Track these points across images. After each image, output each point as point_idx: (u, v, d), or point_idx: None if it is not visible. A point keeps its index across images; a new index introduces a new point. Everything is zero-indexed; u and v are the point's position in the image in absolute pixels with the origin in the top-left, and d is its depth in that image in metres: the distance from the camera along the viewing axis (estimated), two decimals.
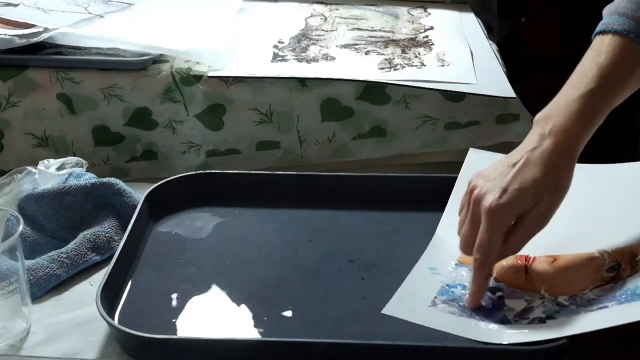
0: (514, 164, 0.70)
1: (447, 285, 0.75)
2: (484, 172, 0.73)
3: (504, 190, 0.68)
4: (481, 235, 0.69)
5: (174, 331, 0.70)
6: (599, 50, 0.73)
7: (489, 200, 0.69)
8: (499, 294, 0.73)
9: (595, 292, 0.71)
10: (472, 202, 0.71)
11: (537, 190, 0.69)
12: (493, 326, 0.69)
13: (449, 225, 0.82)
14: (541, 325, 0.68)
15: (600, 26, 0.75)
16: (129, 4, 1.28)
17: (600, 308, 0.68)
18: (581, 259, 0.75)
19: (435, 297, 0.73)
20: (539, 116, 0.73)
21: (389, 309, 0.72)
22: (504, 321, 0.70)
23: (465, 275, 0.76)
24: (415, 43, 1.22)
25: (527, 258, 0.75)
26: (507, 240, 0.69)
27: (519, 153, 0.71)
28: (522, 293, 0.73)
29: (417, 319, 0.70)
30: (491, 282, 0.74)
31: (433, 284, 0.75)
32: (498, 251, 0.69)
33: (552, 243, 0.75)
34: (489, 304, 0.72)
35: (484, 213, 0.69)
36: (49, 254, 0.79)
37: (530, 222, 0.69)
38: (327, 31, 1.28)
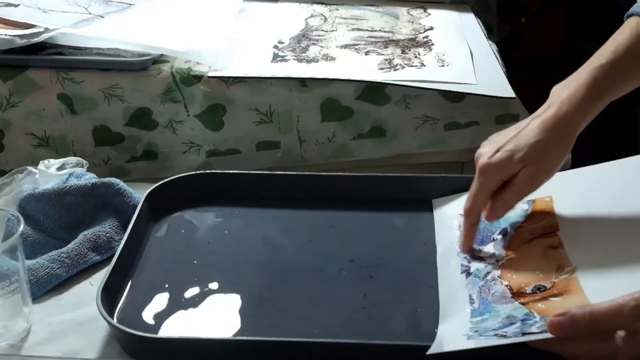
0: (517, 129, 0.75)
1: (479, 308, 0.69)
2: (495, 135, 0.78)
3: (497, 151, 0.74)
4: (471, 188, 0.75)
5: (174, 331, 0.70)
6: (620, 30, 0.76)
7: (483, 159, 0.75)
8: (480, 247, 0.76)
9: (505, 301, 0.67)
10: (475, 161, 0.76)
11: (526, 155, 0.73)
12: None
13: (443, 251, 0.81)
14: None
15: (629, 10, 0.77)
16: (129, 4, 1.28)
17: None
18: (556, 260, 0.71)
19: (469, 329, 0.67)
20: (555, 87, 0.76)
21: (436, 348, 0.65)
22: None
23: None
24: (415, 43, 1.22)
25: (552, 231, 0.75)
26: (498, 196, 0.74)
27: (527, 120, 0.76)
28: (493, 251, 0.76)
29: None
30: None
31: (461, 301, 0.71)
32: (482, 205, 0.75)
33: (582, 230, 0.74)
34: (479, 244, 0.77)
35: (477, 170, 0.75)
36: (50, 253, 0.79)
37: (519, 183, 0.73)
38: (327, 31, 1.28)
